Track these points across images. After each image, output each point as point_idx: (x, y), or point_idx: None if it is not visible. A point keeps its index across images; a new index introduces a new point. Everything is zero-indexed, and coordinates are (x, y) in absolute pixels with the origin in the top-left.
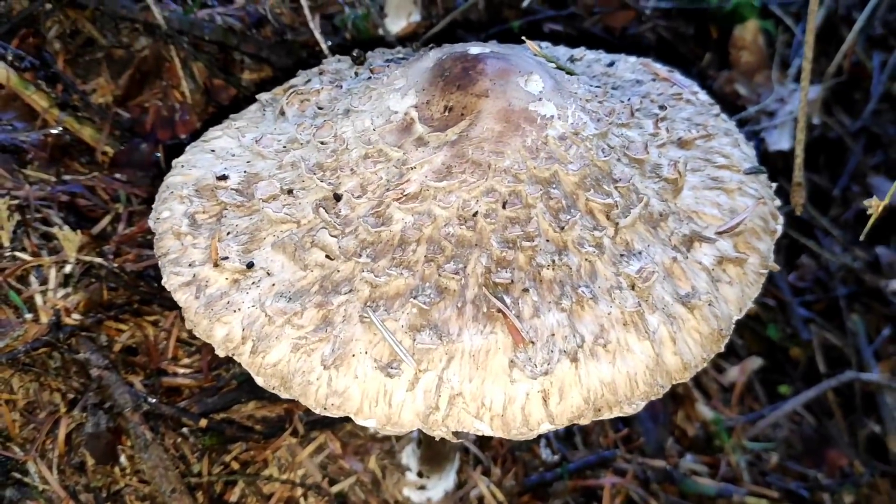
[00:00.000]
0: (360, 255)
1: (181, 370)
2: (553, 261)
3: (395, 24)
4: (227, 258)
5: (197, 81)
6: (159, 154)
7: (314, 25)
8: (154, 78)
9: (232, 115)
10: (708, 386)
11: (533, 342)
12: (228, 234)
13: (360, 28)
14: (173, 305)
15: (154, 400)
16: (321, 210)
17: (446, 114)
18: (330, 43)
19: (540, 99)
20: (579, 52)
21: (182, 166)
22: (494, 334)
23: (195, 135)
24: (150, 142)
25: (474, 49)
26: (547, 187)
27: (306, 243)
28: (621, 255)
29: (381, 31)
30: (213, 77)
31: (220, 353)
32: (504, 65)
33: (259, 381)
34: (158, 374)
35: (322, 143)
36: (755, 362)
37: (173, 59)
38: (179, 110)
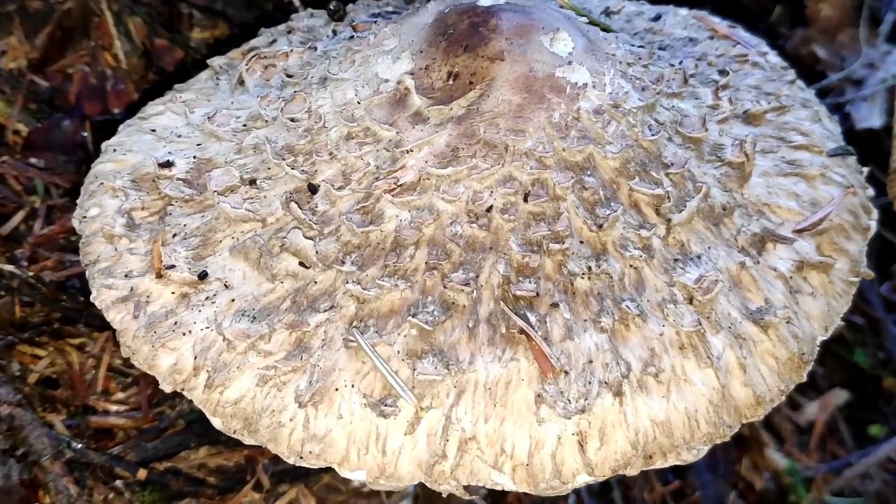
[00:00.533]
0: (343, 262)
1: (114, 407)
2: (589, 268)
3: None
4: (173, 267)
5: (134, 41)
6: (86, 133)
7: None
8: (80, 37)
9: (177, 86)
10: (780, 426)
11: (565, 371)
12: (175, 236)
13: None
14: (104, 325)
15: (80, 445)
16: (293, 205)
17: (450, 82)
18: None
19: (569, 63)
20: (616, 2)
21: (115, 150)
22: (516, 361)
23: (132, 109)
24: (75, 118)
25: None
26: (580, 174)
27: (274, 247)
28: (675, 260)
29: None
30: (155, 36)
31: (166, 386)
32: (523, 20)
33: (216, 422)
34: (85, 411)
35: (292, 120)
36: (839, 396)
37: (104, 13)
38: (112, 78)
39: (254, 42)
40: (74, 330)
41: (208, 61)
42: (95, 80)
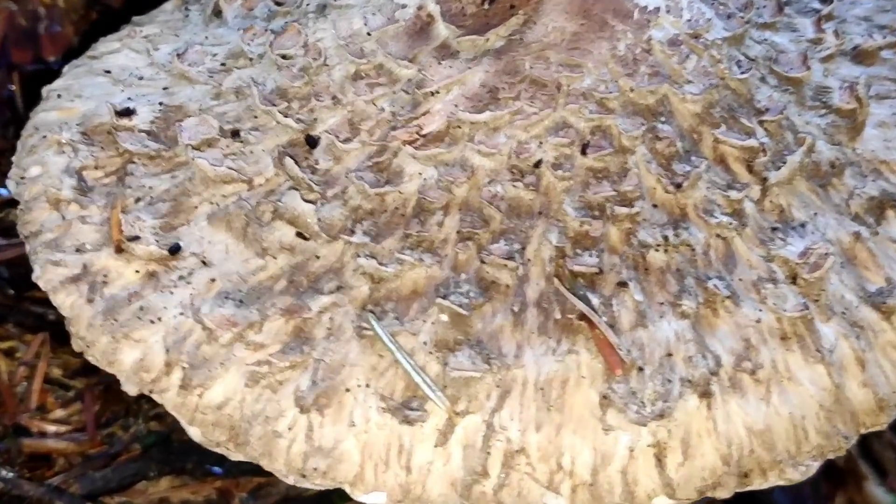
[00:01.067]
0: (353, 232)
1: (52, 427)
2: (665, 238)
3: None
4: (136, 238)
5: None
6: (13, 87)
7: None
8: None
9: (136, 18)
10: (882, 455)
11: (638, 367)
12: (138, 201)
13: None
14: (39, 324)
15: (10, 474)
16: (288, 161)
17: (486, 6)
18: None
19: None
20: None
21: (59, 96)
22: (575, 354)
23: (71, 56)
24: (0, 68)
25: None
26: (652, 121)
27: (265, 214)
28: (773, 230)
29: None
30: None
31: (131, 388)
32: None
33: (194, 433)
34: (17, 432)
35: (284, 57)
36: None
37: None
38: (45, 18)
39: None
40: (2, 331)
41: None
42: (25, 21)
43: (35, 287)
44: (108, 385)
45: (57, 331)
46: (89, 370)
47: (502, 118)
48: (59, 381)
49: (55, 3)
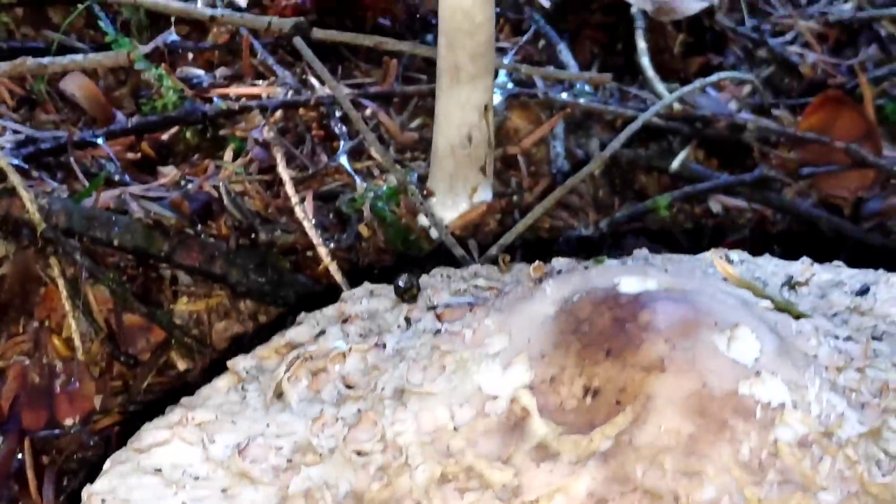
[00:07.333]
0: None
1: None
2: None
3: (449, 208)
4: None
5: (95, 319)
6: (23, 456)
7: (304, 215)
8: (17, 314)
9: (186, 400)
10: None
11: None
12: None
13: (386, 218)
14: None
15: None
16: None
17: (588, 401)
18: (334, 244)
19: (757, 373)
20: (802, 268)
21: (104, 502)
22: None
23: (90, 420)
24: (9, 433)
25: (630, 283)
26: None
27: None
28: None
29: (422, 222)
30: (125, 310)
31: None
32: (687, 312)
33: None
34: None
35: (359, 453)
36: None
37: (54, 280)
38: (62, 373)
39: (292, 334)
40: None
41: (228, 363)
42: (38, 378)
43: None
44: None
45: None
46: None
47: None
48: None
49: (74, 355)
